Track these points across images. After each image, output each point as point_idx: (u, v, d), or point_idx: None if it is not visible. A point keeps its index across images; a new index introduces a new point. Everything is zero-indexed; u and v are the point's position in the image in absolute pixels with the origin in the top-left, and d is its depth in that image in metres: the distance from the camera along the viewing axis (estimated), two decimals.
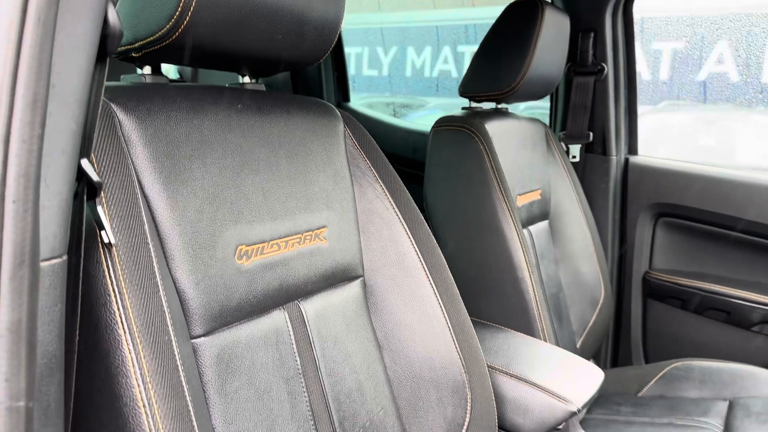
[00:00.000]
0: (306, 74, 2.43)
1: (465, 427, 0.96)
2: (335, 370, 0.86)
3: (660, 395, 1.59)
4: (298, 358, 0.82)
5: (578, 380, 1.11)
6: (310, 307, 0.86)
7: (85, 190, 0.53)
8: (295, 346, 0.82)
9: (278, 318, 0.81)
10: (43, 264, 0.44)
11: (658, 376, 1.65)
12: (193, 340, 0.70)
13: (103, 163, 0.62)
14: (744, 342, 1.76)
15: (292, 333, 0.82)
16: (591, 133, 1.89)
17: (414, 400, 0.96)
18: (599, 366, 1.71)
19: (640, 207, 1.93)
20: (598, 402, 1.60)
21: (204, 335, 0.71)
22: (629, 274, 1.95)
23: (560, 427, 1.08)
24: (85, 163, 0.51)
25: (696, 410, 1.47)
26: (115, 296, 0.58)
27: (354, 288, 0.95)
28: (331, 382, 0.85)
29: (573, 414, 1.04)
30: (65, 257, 0.47)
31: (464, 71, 1.53)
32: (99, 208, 0.56)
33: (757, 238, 1.76)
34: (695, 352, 1.81)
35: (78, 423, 0.57)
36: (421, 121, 3.46)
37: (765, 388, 1.52)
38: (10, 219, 0.41)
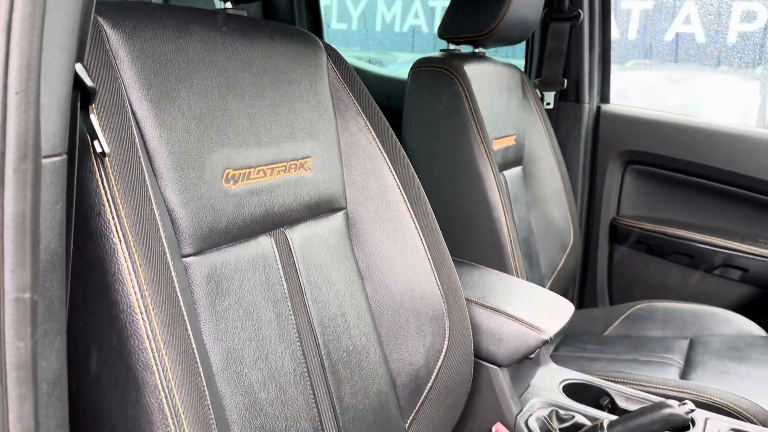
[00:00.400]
0: (279, 18, 2.39)
1: (443, 354, 1.00)
2: (320, 297, 0.88)
3: (624, 334, 1.66)
4: (284, 283, 0.83)
5: (550, 312, 1.15)
6: (295, 235, 0.87)
7: (78, 97, 0.53)
8: (281, 271, 0.83)
9: (265, 244, 0.82)
10: (44, 161, 0.45)
11: (623, 317, 1.71)
12: (183, 259, 0.70)
13: (93, 75, 0.61)
14: (706, 284, 1.84)
15: (278, 258, 0.84)
16: (565, 80, 1.92)
17: (394, 328, 0.98)
18: None
19: (610, 154, 1.97)
20: (564, 341, 1.66)
21: (194, 255, 0.72)
22: (597, 220, 2.01)
23: (532, 356, 1.12)
24: (78, 67, 0.51)
25: (659, 347, 1.54)
26: (109, 206, 0.58)
27: (337, 219, 0.96)
28: (316, 308, 0.87)
29: (545, 342, 1.08)
30: (65, 156, 0.47)
31: (436, 27, 1.53)
32: (92, 116, 0.56)
33: (721, 184, 1.83)
34: (659, 295, 1.88)
35: (73, 330, 0.57)
36: None
37: (724, 327, 1.60)
38: (13, 110, 0.41)
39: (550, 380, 1.24)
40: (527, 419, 1.11)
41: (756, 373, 1.36)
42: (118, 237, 0.58)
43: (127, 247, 0.58)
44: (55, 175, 0.46)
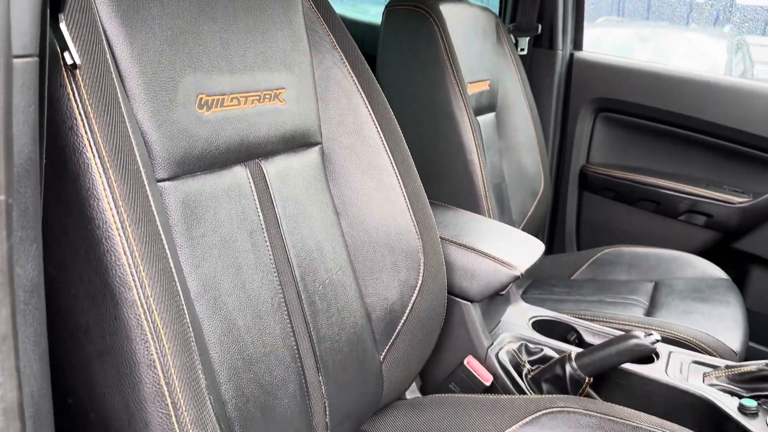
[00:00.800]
0: None
1: (417, 289, 1.01)
2: (296, 229, 0.88)
3: (591, 278, 1.70)
4: (260, 214, 0.83)
5: (521, 249, 1.17)
6: (271, 167, 0.86)
7: (48, 3, 0.51)
8: (257, 202, 0.83)
9: (240, 174, 0.81)
10: (15, 61, 0.43)
11: (590, 261, 1.75)
12: (158, 183, 0.69)
13: None
14: (671, 229, 1.88)
15: (254, 189, 0.83)
16: (539, 26, 1.91)
17: (370, 264, 0.99)
18: None
19: (582, 102, 1.98)
20: (533, 284, 1.69)
21: (169, 180, 0.70)
22: (567, 167, 2.03)
23: (503, 292, 1.14)
24: None
25: (624, 290, 1.58)
26: (82, 120, 0.56)
27: (313, 154, 0.95)
28: (292, 240, 0.87)
29: (516, 278, 1.10)
30: (37, 59, 0.45)
31: None
32: (62, 26, 0.54)
33: (689, 132, 1.86)
34: (626, 240, 1.93)
35: (48, 246, 0.57)
36: None
37: (688, 270, 1.65)
38: None
39: (519, 317, 1.27)
40: (498, 352, 1.13)
41: (717, 311, 1.41)
42: (92, 151, 0.56)
43: (101, 162, 0.57)
44: (27, 76, 0.44)
